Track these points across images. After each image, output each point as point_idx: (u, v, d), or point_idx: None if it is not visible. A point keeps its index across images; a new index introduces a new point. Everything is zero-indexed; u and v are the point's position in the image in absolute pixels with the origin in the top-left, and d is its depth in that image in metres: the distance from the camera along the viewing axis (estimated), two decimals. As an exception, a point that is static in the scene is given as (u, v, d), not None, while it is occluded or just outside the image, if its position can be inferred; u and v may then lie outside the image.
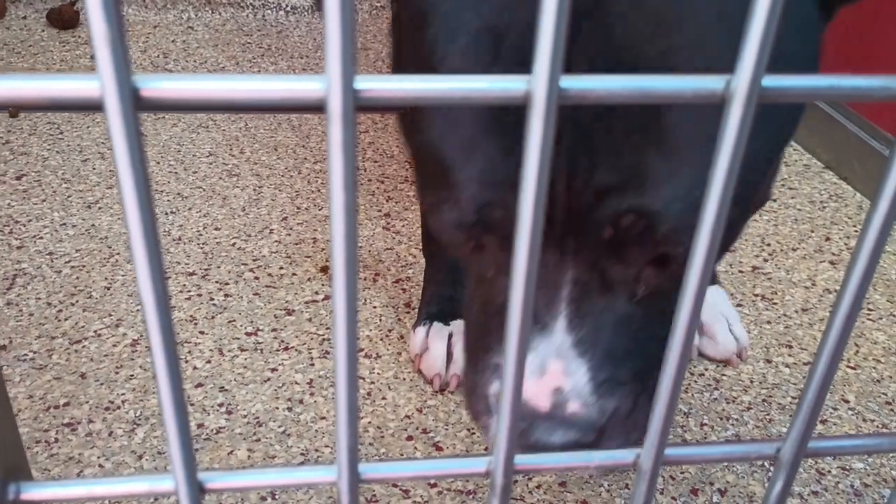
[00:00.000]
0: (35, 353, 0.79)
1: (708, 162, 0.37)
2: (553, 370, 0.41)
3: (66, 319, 0.84)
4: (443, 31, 0.39)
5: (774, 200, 1.16)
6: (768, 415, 0.77)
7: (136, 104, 0.17)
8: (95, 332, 0.82)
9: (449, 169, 0.39)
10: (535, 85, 0.17)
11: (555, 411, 0.41)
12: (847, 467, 0.72)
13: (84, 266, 0.92)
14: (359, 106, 0.17)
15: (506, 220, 0.39)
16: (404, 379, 0.78)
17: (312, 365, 0.80)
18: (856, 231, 1.08)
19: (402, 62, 0.44)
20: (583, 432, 0.41)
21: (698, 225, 0.20)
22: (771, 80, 0.19)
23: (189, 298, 0.88)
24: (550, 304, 0.40)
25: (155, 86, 0.17)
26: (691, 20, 0.36)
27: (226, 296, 0.89)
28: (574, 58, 0.36)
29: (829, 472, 0.71)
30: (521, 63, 0.36)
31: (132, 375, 0.77)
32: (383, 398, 0.76)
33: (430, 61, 0.39)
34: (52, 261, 0.93)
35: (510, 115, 0.37)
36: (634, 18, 0.36)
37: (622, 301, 0.41)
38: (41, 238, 0.97)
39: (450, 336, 0.77)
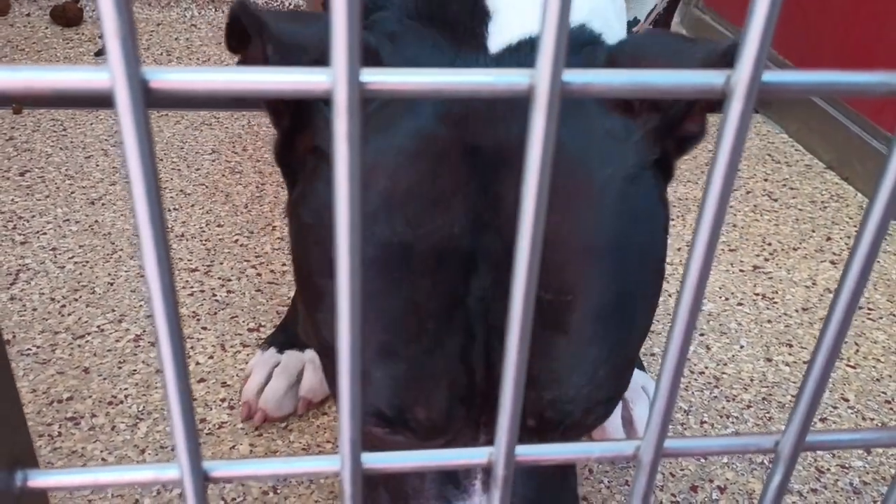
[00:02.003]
0: (39, 347, 0.80)
1: (604, 346, 0.40)
2: None
3: (69, 315, 0.84)
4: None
5: (775, 200, 1.16)
6: (768, 413, 0.78)
7: (146, 97, 0.17)
8: (99, 327, 0.83)
9: (364, 367, 0.39)
10: (538, 78, 0.18)
11: None
12: (846, 465, 0.72)
13: (87, 262, 0.93)
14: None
15: (428, 419, 0.40)
16: (406, 375, 0.79)
17: (314, 361, 0.80)
18: (857, 231, 1.08)
19: (301, 260, 0.44)
20: None
21: (702, 211, 0.21)
22: (771, 76, 0.19)
23: (192, 294, 0.88)
24: (469, 470, 0.42)
25: (164, 78, 0.17)
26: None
27: (228, 292, 0.89)
28: (481, 259, 0.39)
29: (829, 469, 0.72)
30: (432, 273, 0.38)
31: (135, 370, 0.77)
32: (385, 394, 0.76)
33: (330, 270, 0.39)
34: (56, 256, 0.93)
35: (426, 319, 0.38)
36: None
37: (540, 478, 0.44)
38: (45, 234, 0.97)
39: (275, 365, 0.74)
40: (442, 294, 0.38)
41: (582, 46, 0.46)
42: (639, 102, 0.41)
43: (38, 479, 0.23)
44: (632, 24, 0.83)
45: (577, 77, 0.18)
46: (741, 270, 0.99)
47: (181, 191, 1.08)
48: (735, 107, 0.19)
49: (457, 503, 0.42)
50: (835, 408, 0.79)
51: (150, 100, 0.17)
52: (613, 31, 0.51)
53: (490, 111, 0.41)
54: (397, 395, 0.39)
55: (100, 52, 1.47)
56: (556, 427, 0.41)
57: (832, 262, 1.02)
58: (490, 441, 0.41)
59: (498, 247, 0.39)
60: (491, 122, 0.40)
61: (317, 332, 0.44)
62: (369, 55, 0.42)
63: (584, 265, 0.39)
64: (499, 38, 0.45)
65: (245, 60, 0.43)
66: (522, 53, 0.45)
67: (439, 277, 0.38)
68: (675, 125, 0.42)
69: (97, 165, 1.12)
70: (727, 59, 0.39)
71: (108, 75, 0.17)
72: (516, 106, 0.41)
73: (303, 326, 0.46)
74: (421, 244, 0.38)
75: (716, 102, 0.45)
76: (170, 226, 1.00)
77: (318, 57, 0.42)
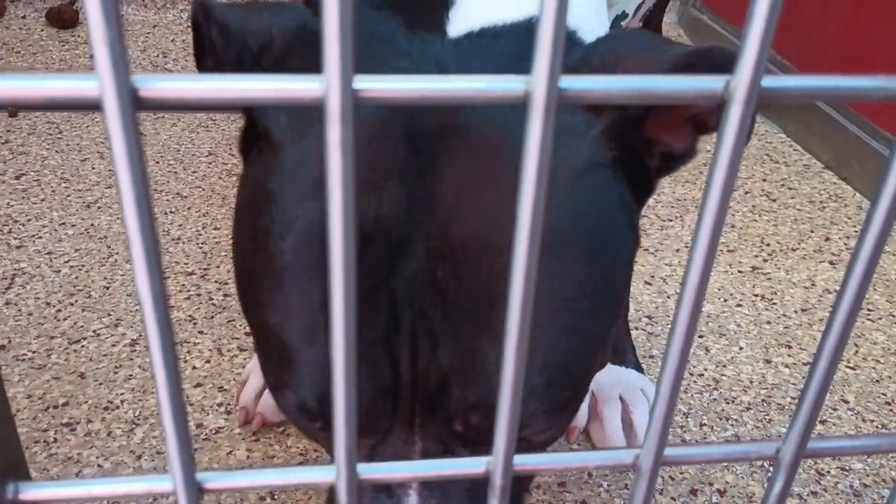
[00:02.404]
0: (34, 352, 0.79)
1: (538, 352, 0.37)
2: None
3: (65, 319, 0.84)
4: (279, 222, 0.38)
5: (774, 200, 1.16)
6: (768, 415, 0.77)
7: (135, 104, 0.17)
8: (94, 331, 0.82)
9: (290, 354, 0.38)
10: (534, 84, 0.17)
11: None
12: (846, 468, 0.72)
13: (83, 266, 0.92)
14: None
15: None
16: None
17: (312, 365, 0.80)
18: (855, 231, 1.08)
19: (241, 232, 0.43)
20: None
21: (701, 213, 0.20)
22: (770, 81, 0.18)
23: (188, 298, 0.88)
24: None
25: (154, 86, 0.17)
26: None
27: (225, 295, 0.89)
28: (413, 245, 0.37)
29: (829, 472, 0.71)
30: (360, 261, 0.36)
31: (131, 375, 0.77)
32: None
33: (265, 249, 0.39)
34: (52, 260, 0.93)
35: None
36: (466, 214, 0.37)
37: (481, 495, 0.41)
38: (40, 238, 0.97)
39: None
40: (364, 277, 0.36)
41: None
42: None
43: (30, 492, 0.23)
44: (620, 17, 0.82)
45: (574, 83, 0.18)
46: (740, 271, 0.99)
47: (178, 194, 1.07)
48: (734, 112, 0.18)
49: None
50: (834, 409, 0.79)
51: (141, 106, 0.17)
52: (590, 27, 0.50)
53: None
54: (318, 384, 0.38)
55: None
56: (488, 436, 0.38)
57: (831, 263, 1.02)
58: (426, 448, 0.40)
59: (432, 233, 0.37)
60: (437, 107, 0.39)
61: (250, 315, 0.42)
62: (314, 35, 0.42)
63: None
64: (459, 24, 0.44)
65: (197, 52, 0.43)
66: (484, 41, 0.44)
67: (363, 260, 0.36)
68: (637, 123, 0.41)
69: (93, 168, 1.12)
70: (699, 58, 0.38)
71: (97, 83, 0.16)
72: None
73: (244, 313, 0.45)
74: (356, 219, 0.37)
75: (706, 125, 0.44)
76: (166, 229, 1.00)
77: (264, 42, 0.42)
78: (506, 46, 0.44)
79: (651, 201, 1.12)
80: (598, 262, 0.39)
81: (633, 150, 0.42)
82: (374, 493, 0.40)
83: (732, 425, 0.76)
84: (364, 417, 0.38)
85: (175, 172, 1.12)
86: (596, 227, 0.39)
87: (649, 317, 0.90)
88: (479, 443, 0.39)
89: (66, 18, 1.56)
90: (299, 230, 0.38)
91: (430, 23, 0.44)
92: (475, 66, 0.42)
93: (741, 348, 0.86)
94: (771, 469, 0.26)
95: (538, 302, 0.37)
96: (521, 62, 0.43)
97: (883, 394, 0.81)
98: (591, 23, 0.52)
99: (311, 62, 0.42)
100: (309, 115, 0.40)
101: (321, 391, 0.38)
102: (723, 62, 0.37)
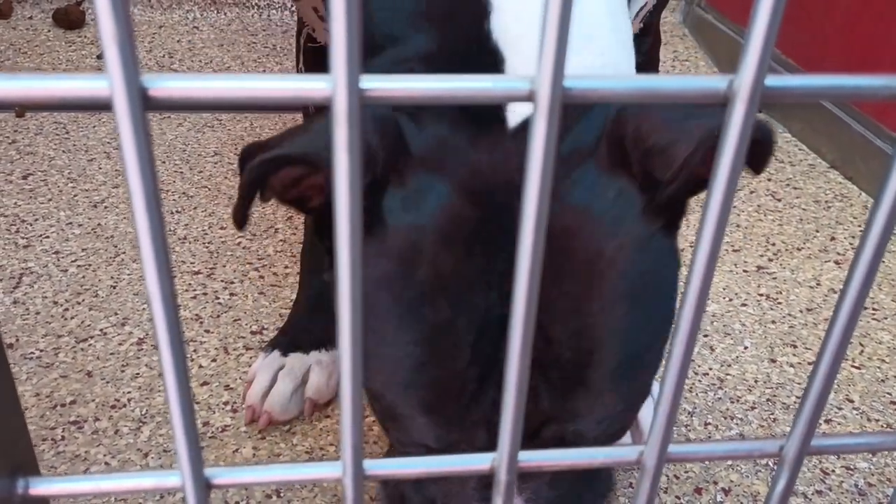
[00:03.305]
0: (41, 351, 0.80)
1: (621, 392, 0.44)
2: None
3: (72, 318, 0.84)
4: (385, 309, 0.45)
5: (779, 200, 1.16)
6: (772, 414, 0.77)
7: (145, 104, 0.17)
8: (101, 330, 0.83)
9: (408, 420, 0.46)
10: (539, 84, 0.17)
11: None
12: (851, 467, 0.72)
13: (90, 265, 0.93)
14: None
15: (470, 448, 0.46)
16: (409, 378, 0.78)
17: (317, 364, 0.80)
18: (861, 231, 1.08)
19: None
20: None
21: (706, 212, 0.20)
22: (773, 80, 0.19)
23: (194, 297, 0.88)
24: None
25: (163, 85, 0.17)
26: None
27: (231, 295, 0.89)
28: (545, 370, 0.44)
29: (833, 471, 0.71)
30: (472, 343, 0.43)
31: (138, 374, 0.77)
32: (388, 397, 0.76)
33: (376, 330, 0.44)
34: (59, 260, 0.93)
35: (469, 384, 0.44)
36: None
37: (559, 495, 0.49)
38: (47, 237, 0.97)
39: (280, 368, 0.74)
40: (480, 362, 0.43)
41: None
42: (636, 162, 0.44)
43: (40, 487, 0.23)
44: None
45: (578, 83, 0.18)
46: (745, 271, 0.99)
47: (184, 193, 1.08)
48: (738, 112, 0.19)
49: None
50: (839, 409, 0.79)
51: (150, 106, 0.17)
52: (620, 69, 0.52)
53: (508, 183, 0.44)
54: (441, 439, 0.45)
55: (102, 56, 1.47)
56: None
57: (836, 262, 1.02)
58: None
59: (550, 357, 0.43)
60: (508, 195, 0.44)
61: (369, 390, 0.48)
62: (396, 133, 0.45)
63: (601, 328, 0.43)
64: (515, 113, 0.47)
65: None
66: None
67: (478, 347, 0.43)
68: (678, 199, 0.45)
69: (100, 168, 1.12)
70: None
71: (107, 83, 0.17)
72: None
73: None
74: (461, 320, 0.43)
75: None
76: (172, 229, 1.00)
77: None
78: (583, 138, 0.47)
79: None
80: (661, 314, 0.47)
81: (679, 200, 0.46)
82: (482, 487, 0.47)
83: (737, 424, 0.76)
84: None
85: (181, 172, 1.12)
86: (660, 287, 0.46)
87: (654, 316, 0.90)
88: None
89: (72, 19, 1.57)
90: (421, 326, 0.44)
91: (489, 112, 0.47)
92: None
93: (746, 348, 0.86)
94: (775, 468, 0.27)
95: (620, 360, 0.44)
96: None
97: (888, 393, 0.81)
98: (621, 64, 0.53)
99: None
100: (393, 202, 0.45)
101: (444, 443, 0.46)
102: (762, 138, 0.40)
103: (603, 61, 0.51)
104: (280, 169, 0.43)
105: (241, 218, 0.43)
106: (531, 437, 0.46)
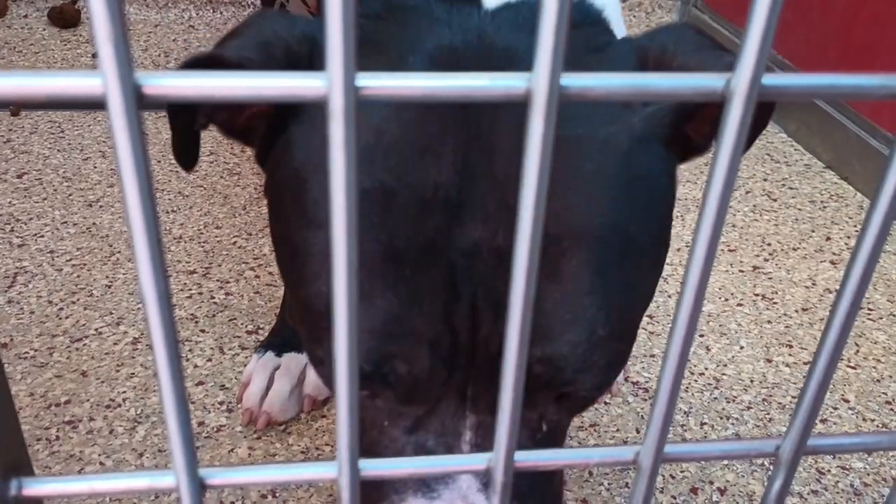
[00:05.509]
0: (36, 350, 0.79)
1: (604, 302, 0.37)
2: None
3: (67, 317, 0.84)
4: (325, 193, 0.38)
5: (775, 200, 1.16)
6: (768, 414, 0.77)
7: (139, 101, 0.17)
8: (96, 330, 0.82)
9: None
10: (535, 82, 0.17)
11: None
12: (847, 466, 0.72)
13: (85, 264, 0.92)
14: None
15: (408, 374, 0.38)
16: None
17: (313, 363, 0.80)
18: (856, 231, 1.08)
19: (282, 226, 0.43)
20: None
21: (702, 212, 0.20)
22: (770, 79, 0.19)
23: (190, 297, 0.88)
24: (453, 451, 0.40)
25: (157, 83, 0.17)
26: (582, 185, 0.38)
27: (227, 294, 0.89)
28: (470, 212, 0.37)
29: (829, 471, 0.71)
30: (416, 219, 0.36)
31: (133, 373, 0.77)
32: (384, 397, 0.76)
33: (315, 222, 0.39)
34: (54, 259, 0.93)
35: (405, 268, 0.37)
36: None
37: (524, 440, 0.41)
38: (42, 236, 0.97)
39: (275, 368, 0.74)
40: (422, 243, 0.36)
41: (583, 25, 0.45)
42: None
43: (34, 487, 0.23)
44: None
45: (576, 81, 0.18)
46: (741, 271, 0.99)
47: (179, 193, 1.07)
48: (735, 110, 0.18)
49: (439, 488, 0.39)
50: (835, 409, 0.79)
51: (144, 103, 0.17)
52: (612, 7, 0.50)
53: (487, 59, 0.40)
54: (376, 348, 0.37)
55: (97, 54, 1.47)
56: (546, 387, 0.39)
57: (832, 262, 1.02)
58: (478, 421, 0.40)
59: (489, 200, 0.37)
60: (488, 70, 0.39)
61: (300, 290, 0.41)
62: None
63: (581, 212, 0.37)
64: None
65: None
66: (522, 13, 0.43)
67: (420, 225, 0.36)
68: (691, 115, 0.41)
69: (95, 167, 1.12)
70: None
71: (101, 80, 0.16)
72: (514, 54, 0.40)
73: (290, 310, 0.44)
74: (404, 191, 0.36)
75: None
76: (168, 228, 1.00)
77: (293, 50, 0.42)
78: None
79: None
80: (652, 221, 0.40)
81: (675, 135, 0.42)
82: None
83: (733, 424, 0.76)
84: (423, 380, 0.38)
85: (176, 171, 1.12)
86: (652, 190, 0.40)
87: (650, 316, 0.90)
88: (536, 396, 0.39)
89: (67, 18, 1.57)
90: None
91: None
92: (514, 38, 0.41)
93: (742, 347, 0.86)
94: (771, 467, 0.26)
95: (602, 254, 0.37)
96: None
97: (883, 393, 0.81)
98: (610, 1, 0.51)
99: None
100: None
101: (377, 357, 0.37)
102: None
103: None
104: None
105: (179, 151, 0.39)
106: (485, 376, 0.38)
